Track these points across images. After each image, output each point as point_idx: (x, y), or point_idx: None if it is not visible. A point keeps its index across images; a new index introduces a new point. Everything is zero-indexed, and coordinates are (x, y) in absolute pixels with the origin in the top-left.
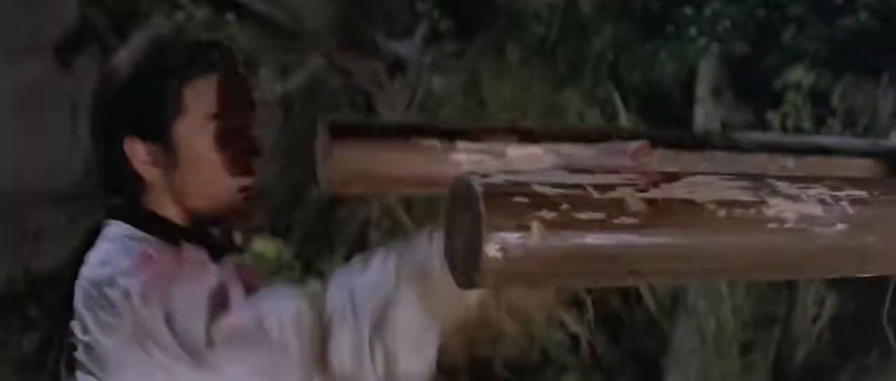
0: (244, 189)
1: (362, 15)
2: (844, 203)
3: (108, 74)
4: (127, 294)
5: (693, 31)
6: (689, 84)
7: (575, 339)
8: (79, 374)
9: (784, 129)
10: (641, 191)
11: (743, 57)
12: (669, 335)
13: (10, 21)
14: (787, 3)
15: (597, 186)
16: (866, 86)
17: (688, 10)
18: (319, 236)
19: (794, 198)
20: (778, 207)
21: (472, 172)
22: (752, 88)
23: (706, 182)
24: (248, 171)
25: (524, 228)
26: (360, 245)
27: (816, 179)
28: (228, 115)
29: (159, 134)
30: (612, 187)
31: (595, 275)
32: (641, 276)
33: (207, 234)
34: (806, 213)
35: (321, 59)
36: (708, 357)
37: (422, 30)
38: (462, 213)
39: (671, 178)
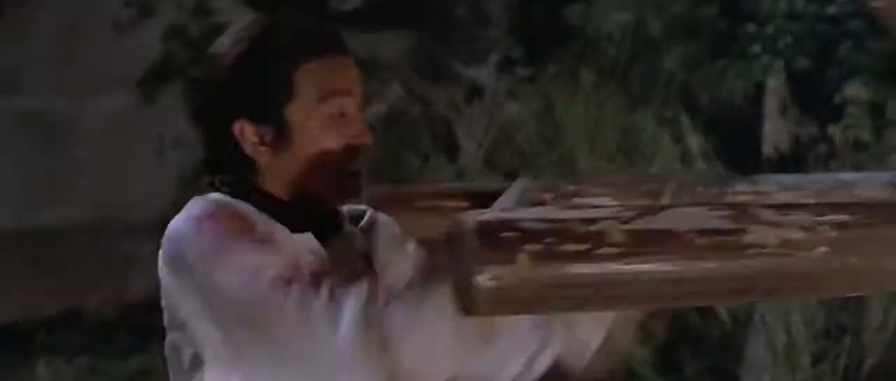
0: (352, 173)
1: (439, 43)
2: (826, 227)
3: (213, 60)
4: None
5: (757, 48)
6: (755, 101)
7: (658, 354)
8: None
9: (845, 141)
10: (624, 223)
11: (806, 72)
12: (742, 347)
13: (94, 56)
14: (845, 18)
15: (582, 220)
16: None
17: (751, 28)
18: None
19: (774, 224)
20: (758, 233)
21: (469, 212)
22: (815, 102)
23: (689, 213)
24: (355, 154)
25: (512, 260)
26: None
27: (799, 206)
28: (338, 97)
29: (270, 117)
30: (595, 221)
31: (581, 301)
32: (626, 302)
33: (315, 213)
34: (786, 238)
35: (400, 89)
36: (780, 369)
37: (495, 56)
38: (459, 248)
39: (657, 209)
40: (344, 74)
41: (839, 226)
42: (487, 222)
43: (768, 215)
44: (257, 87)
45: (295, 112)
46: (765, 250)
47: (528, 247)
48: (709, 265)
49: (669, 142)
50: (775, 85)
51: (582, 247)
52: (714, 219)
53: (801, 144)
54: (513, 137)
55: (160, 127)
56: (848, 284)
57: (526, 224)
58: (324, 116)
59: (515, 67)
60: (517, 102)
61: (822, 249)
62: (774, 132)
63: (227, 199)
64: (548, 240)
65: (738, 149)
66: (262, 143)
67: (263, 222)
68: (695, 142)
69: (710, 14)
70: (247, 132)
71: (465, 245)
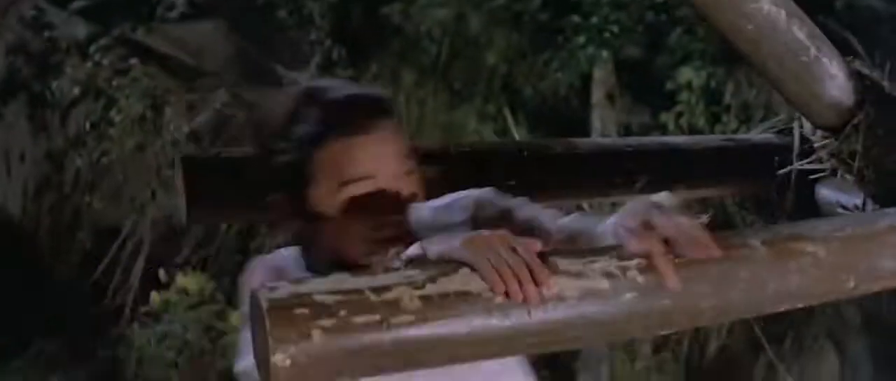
0: (381, 240)
1: (261, 47)
2: (633, 272)
3: (257, 126)
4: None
5: (581, 39)
6: (583, 91)
7: None
8: None
9: (679, 128)
10: (418, 288)
11: (635, 61)
12: None
13: None
14: (675, 5)
15: (374, 289)
16: (759, 80)
17: (576, 19)
18: (235, 268)
19: (576, 275)
20: (558, 285)
21: (263, 286)
22: (646, 90)
23: None
24: (381, 240)
25: (306, 337)
26: None
27: (603, 251)
28: (356, 182)
29: (296, 196)
30: (388, 288)
31: (379, 369)
32: (426, 364)
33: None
34: (590, 288)
35: (225, 95)
36: (618, 359)
37: (317, 58)
38: (256, 323)
39: (453, 270)
40: (364, 156)
41: (647, 269)
42: (280, 300)
43: (568, 264)
44: (284, 168)
45: (316, 197)
46: (566, 303)
47: (322, 322)
48: (506, 323)
49: (492, 137)
50: (602, 75)
51: (375, 318)
52: None
53: (632, 133)
54: None
55: (7, 143)
56: (659, 325)
57: (318, 298)
58: (343, 199)
59: (337, 69)
60: None
61: (629, 295)
62: (603, 122)
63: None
64: (341, 313)
65: None
66: (292, 215)
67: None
68: (519, 136)
69: (532, 7)
70: (280, 203)
71: (260, 324)
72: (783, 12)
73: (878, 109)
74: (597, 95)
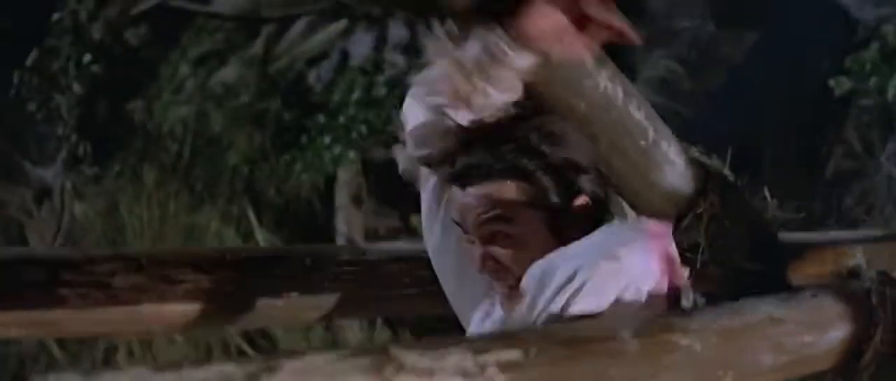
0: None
1: (11, 142)
2: (492, 369)
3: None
4: None
5: (327, 139)
6: (328, 193)
7: None
8: None
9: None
10: None
11: (384, 162)
12: None
13: None
14: None
15: None
16: None
17: (321, 119)
18: None
19: (426, 373)
20: None
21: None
22: (395, 192)
23: (317, 366)
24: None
25: None
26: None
27: (457, 343)
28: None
29: None
30: None
31: None
32: None
33: None
34: None
35: None
36: None
37: (62, 155)
38: None
39: (277, 366)
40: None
41: (508, 367)
42: None
43: (415, 359)
44: None
45: None
46: None
47: None
48: None
49: (235, 239)
50: (348, 177)
51: None
52: (349, 373)
53: (379, 237)
54: (80, 239)
55: None
56: None
57: None
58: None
59: (82, 166)
60: (84, 203)
61: None
62: (349, 226)
63: None
64: None
65: (310, 243)
66: None
67: None
68: (262, 238)
69: (274, 106)
70: None
71: None
72: (620, 91)
73: (723, 198)
74: (342, 197)
